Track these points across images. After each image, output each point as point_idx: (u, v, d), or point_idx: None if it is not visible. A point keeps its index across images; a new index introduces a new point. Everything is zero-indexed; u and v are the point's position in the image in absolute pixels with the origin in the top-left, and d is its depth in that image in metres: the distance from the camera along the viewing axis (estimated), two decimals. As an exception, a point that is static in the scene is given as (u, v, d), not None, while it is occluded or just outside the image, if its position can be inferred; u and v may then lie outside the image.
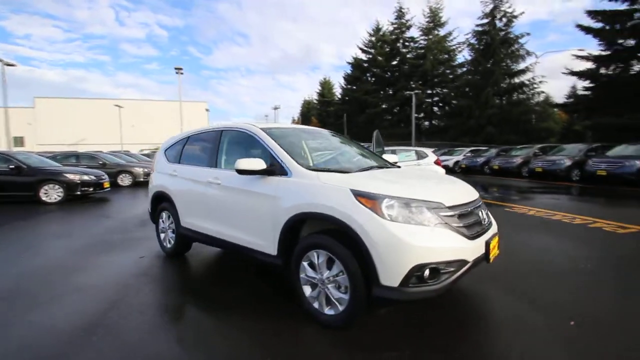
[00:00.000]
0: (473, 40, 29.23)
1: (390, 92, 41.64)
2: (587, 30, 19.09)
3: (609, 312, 2.72)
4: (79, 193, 9.21)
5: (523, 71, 26.49)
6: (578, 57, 20.14)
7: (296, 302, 2.79)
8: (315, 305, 2.61)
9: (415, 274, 2.16)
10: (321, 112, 60.97)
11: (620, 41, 17.89)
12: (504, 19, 27.23)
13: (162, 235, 4.48)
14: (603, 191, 10.30)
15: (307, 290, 2.67)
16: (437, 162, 10.16)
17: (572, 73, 20.57)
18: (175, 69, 22.63)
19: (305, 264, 2.65)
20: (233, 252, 3.90)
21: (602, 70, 19.21)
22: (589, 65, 20.02)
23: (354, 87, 47.16)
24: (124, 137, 37.22)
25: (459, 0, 78.68)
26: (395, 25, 40.76)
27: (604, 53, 18.80)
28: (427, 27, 37.44)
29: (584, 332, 2.40)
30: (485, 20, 28.27)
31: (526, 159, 15.98)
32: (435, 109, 36.80)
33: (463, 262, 2.30)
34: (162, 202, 4.42)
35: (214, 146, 3.73)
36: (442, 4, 36.99)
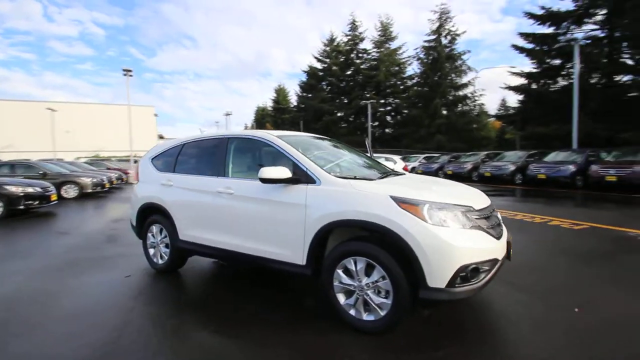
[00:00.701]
0: (422, 55, 31.40)
1: (346, 101, 42.90)
2: (520, 49, 21.54)
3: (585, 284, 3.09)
4: (22, 207, 8.10)
5: (466, 85, 29.10)
6: (513, 73, 22.62)
7: (311, 312, 2.76)
8: (352, 312, 2.60)
9: (461, 274, 2.28)
10: (276, 118, 60.68)
11: (548, 60, 20.44)
12: (449, 37, 29.73)
13: (152, 251, 4.13)
14: (545, 193, 11.61)
15: (342, 298, 2.65)
16: (404, 169, 10.69)
17: (509, 88, 23.00)
18: (124, 70, 21.01)
19: (339, 271, 2.64)
20: (248, 265, 3.75)
21: (534, 86, 21.75)
22: (522, 80, 22.58)
23: (310, 95, 47.78)
24: (58, 143, 33.40)
25: (403, 17, 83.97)
26: (349, 37, 42.29)
27: (534, 70, 21.32)
28: (379, 40, 39.40)
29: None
30: (432, 37, 30.61)
31: (475, 165, 17.46)
32: (388, 118, 38.62)
33: (495, 261, 2.47)
34: (151, 215, 4.09)
35: (220, 154, 3.56)
36: (392, 19, 39.22)
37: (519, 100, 22.78)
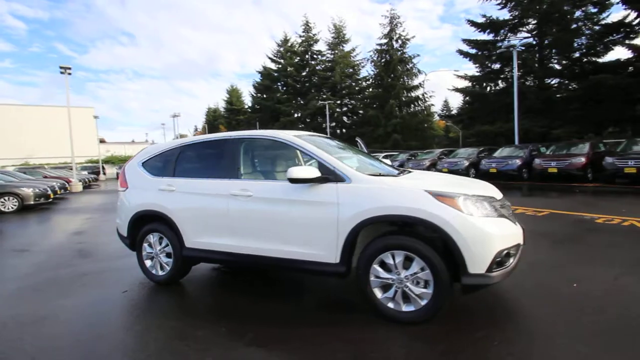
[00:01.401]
0: (375, 57, 32.62)
1: (302, 102, 43.05)
2: (465, 54, 23.35)
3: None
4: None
5: (417, 86, 30.84)
6: (458, 76, 24.45)
7: (340, 306, 2.80)
8: (391, 305, 2.67)
9: (497, 259, 2.46)
10: (230, 120, 59.03)
11: (490, 64, 22.42)
12: (400, 41, 31.28)
13: (149, 262, 3.83)
14: (498, 185, 12.68)
15: (379, 292, 2.71)
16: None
17: (456, 89, 24.85)
18: (61, 68, 18.87)
19: (376, 266, 2.69)
20: (270, 268, 3.67)
21: (478, 88, 23.70)
22: (467, 83, 24.50)
23: (265, 96, 47.21)
24: (-24, 150, 29.17)
25: (353, 21, 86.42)
26: (303, 38, 42.48)
27: (477, 74, 23.25)
28: (333, 42, 40.11)
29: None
30: (384, 40, 31.93)
31: (433, 162, 18.57)
32: (345, 118, 39.50)
33: (519, 245, 2.70)
34: (148, 224, 3.79)
35: (230, 156, 3.41)
36: (345, 22, 40.19)
37: (465, 101, 24.66)
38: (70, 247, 5.79)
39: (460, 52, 23.66)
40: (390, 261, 2.65)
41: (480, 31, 22.84)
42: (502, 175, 14.17)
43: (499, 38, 22.09)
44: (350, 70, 39.13)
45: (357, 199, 2.73)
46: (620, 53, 24.83)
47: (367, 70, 38.77)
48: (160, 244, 3.74)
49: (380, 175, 2.94)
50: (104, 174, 35.64)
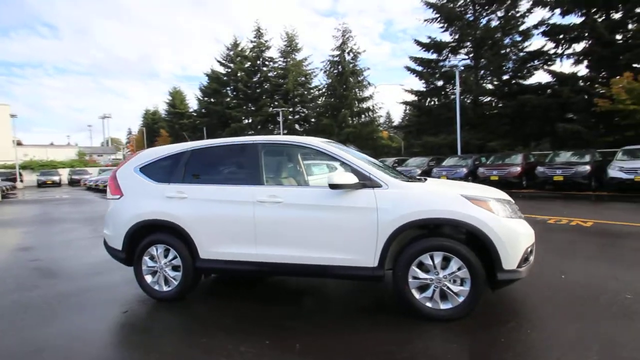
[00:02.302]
0: (328, 68, 33.52)
1: (253, 108, 42.30)
2: (412, 71, 25.13)
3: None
4: None
5: (367, 98, 32.34)
6: (405, 90, 26.19)
7: (369, 308, 2.89)
8: (429, 304, 2.80)
9: (524, 256, 2.75)
10: (172, 124, 55.60)
11: (434, 81, 24.43)
12: (351, 54, 32.60)
13: (150, 278, 3.50)
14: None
15: (416, 292, 2.83)
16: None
17: (405, 103, 26.63)
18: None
19: (414, 267, 2.81)
20: (300, 275, 3.62)
21: (423, 102, 25.61)
22: (413, 97, 26.31)
23: (213, 100, 45.49)
24: None
25: (305, 34, 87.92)
26: (254, 44, 41.94)
27: (423, 89, 25.15)
28: (285, 50, 40.24)
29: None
30: (337, 52, 32.98)
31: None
32: (297, 126, 39.66)
33: (534, 243, 3.03)
34: (151, 234, 3.48)
35: (252, 162, 3.30)
36: (297, 31, 40.69)
37: (413, 113, 26.47)
38: (23, 266, 5.01)
39: (408, 68, 25.39)
40: (429, 262, 2.80)
41: (425, 50, 24.83)
42: (452, 183, 15.45)
43: (441, 58, 24.22)
44: (303, 78, 39.56)
45: (396, 204, 2.84)
46: (542, 77, 28.55)
47: (319, 80, 39.49)
48: (166, 256, 3.45)
49: (410, 180, 3.10)
50: (21, 180, 30.99)
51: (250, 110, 42.58)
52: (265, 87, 41.79)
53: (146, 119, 69.44)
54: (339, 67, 32.79)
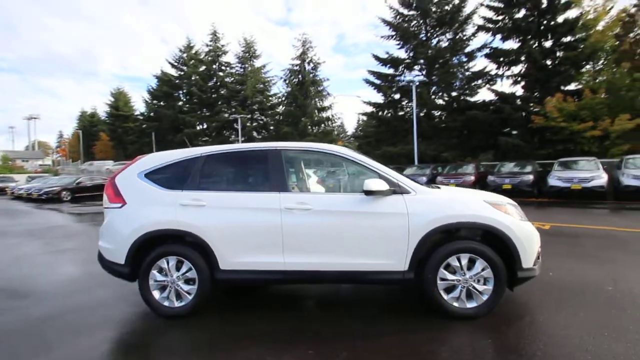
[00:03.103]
0: (288, 76, 33.65)
1: (208, 114, 40.81)
2: (371, 84, 26.23)
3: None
4: None
5: (327, 108, 33.02)
6: (364, 102, 27.24)
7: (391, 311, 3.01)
8: (456, 304, 2.96)
9: (537, 255, 3.04)
10: (115, 127, 51.37)
11: (391, 94, 25.74)
12: (312, 63, 33.14)
13: (158, 293, 3.21)
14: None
15: (444, 293, 2.97)
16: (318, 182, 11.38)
17: (364, 114, 27.64)
18: None
19: (442, 269, 2.95)
20: (328, 282, 3.59)
21: (381, 114, 26.80)
22: (371, 108, 27.44)
23: (164, 104, 43.09)
24: None
25: (259, 42, 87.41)
26: (210, 48, 40.72)
27: (381, 101, 26.35)
28: (243, 56, 39.61)
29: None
30: (297, 62, 33.28)
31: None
32: (255, 133, 39.02)
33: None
34: (161, 246, 3.22)
35: (276, 168, 3.22)
36: (255, 38, 40.36)
37: (371, 125, 27.55)
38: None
39: (367, 81, 26.45)
40: (456, 264, 2.96)
41: (382, 65, 26.12)
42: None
43: (397, 73, 25.66)
44: (261, 86, 39.18)
45: (426, 209, 2.97)
46: (486, 95, 31.25)
47: (278, 88, 39.44)
48: (179, 269, 3.20)
49: (430, 187, 3.26)
50: None
51: (205, 116, 41.03)
52: (222, 92, 40.66)
53: (82, 122, 63.28)
54: (300, 76, 33.11)
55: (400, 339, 2.69)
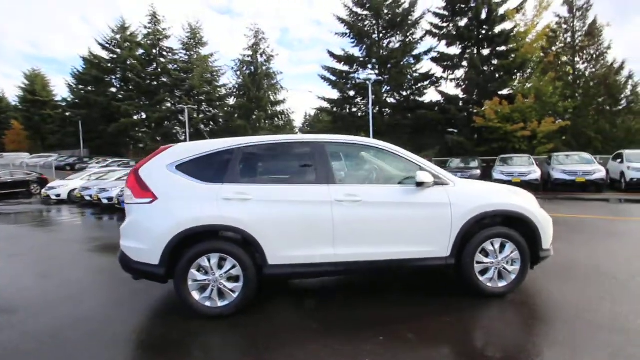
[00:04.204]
0: (240, 67, 32.43)
1: (147, 102, 37.51)
2: (327, 80, 26.56)
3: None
4: None
5: (281, 101, 32.60)
6: (319, 97, 27.54)
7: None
8: (490, 284, 3.26)
9: (551, 238, 3.46)
10: (31, 114, 44.57)
11: (346, 91, 26.38)
12: (265, 56, 32.35)
13: (198, 294, 2.99)
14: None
15: (480, 275, 3.25)
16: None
17: (319, 109, 27.90)
18: None
19: (479, 254, 3.23)
20: (375, 273, 3.73)
21: (336, 109, 27.35)
22: (326, 104, 27.86)
23: (92, 89, 38.61)
24: None
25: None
26: (149, 30, 37.39)
27: (337, 97, 26.86)
28: (188, 42, 37.11)
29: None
30: (249, 52, 32.21)
31: None
32: (202, 126, 36.91)
33: None
34: (201, 243, 2.99)
35: (320, 161, 3.19)
36: (202, 24, 38.06)
37: (327, 120, 27.95)
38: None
39: (323, 77, 26.75)
40: (490, 248, 3.25)
41: (337, 62, 26.61)
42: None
43: (352, 70, 26.35)
44: (209, 75, 37.12)
45: (466, 199, 3.21)
46: (435, 95, 33.20)
47: (227, 78, 37.77)
48: (221, 267, 3.02)
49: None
50: None
51: (144, 105, 37.67)
52: (164, 80, 37.67)
53: (-15, 106, 53.70)
54: (252, 67, 32.13)
55: (454, 318, 2.89)
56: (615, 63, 21.39)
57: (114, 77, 39.23)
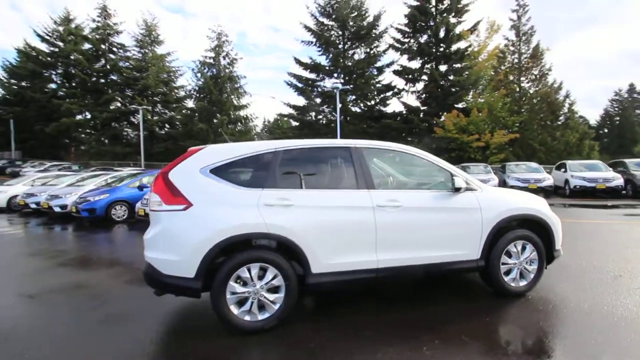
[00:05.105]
0: (201, 68, 31.15)
1: (93, 101, 34.41)
2: (293, 87, 26.58)
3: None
4: None
5: (245, 106, 31.83)
6: (284, 103, 27.48)
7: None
8: (512, 284, 3.43)
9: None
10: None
11: (313, 98, 26.60)
12: (228, 58, 31.46)
13: (236, 309, 2.76)
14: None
15: (504, 276, 3.41)
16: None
17: (283, 115, 27.77)
18: None
19: (504, 256, 3.40)
20: (414, 277, 3.64)
21: (301, 116, 27.43)
22: (291, 110, 27.86)
23: (28, 84, 34.69)
24: None
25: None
26: (98, 24, 34.57)
27: (303, 104, 26.98)
28: (143, 40, 34.88)
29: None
30: (211, 54, 31.10)
31: None
32: (157, 128, 34.65)
33: None
34: (241, 252, 2.79)
35: (360, 165, 3.15)
36: (158, 21, 36.04)
37: (292, 126, 27.91)
38: None
39: (289, 84, 26.75)
40: (514, 249, 3.44)
41: (304, 69, 26.80)
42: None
43: (318, 78, 26.70)
44: (165, 76, 35.10)
45: (493, 204, 3.37)
46: (399, 106, 34.45)
47: (186, 80, 36.02)
48: (262, 277, 2.83)
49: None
50: None
51: (89, 103, 34.48)
52: (114, 78, 34.95)
53: None
54: (213, 70, 31.05)
55: (489, 315, 3.01)
56: (555, 83, 24.35)
57: (54, 72, 35.62)
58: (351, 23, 26.32)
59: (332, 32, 26.92)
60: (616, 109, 49.29)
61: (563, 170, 14.60)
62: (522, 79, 24.59)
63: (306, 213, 2.89)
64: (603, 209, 10.53)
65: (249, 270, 2.77)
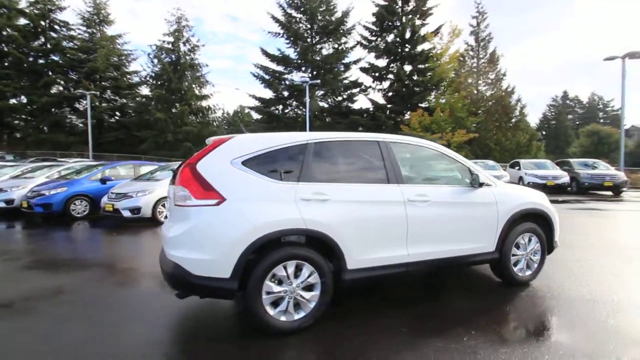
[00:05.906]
0: (157, 53, 29.09)
1: (30, 83, 30.71)
2: (261, 79, 25.87)
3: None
4: None
5: (207, 96, 30.33)
6: (250, 95, 26.73)
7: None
8: (520, 274, 3.64)
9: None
10: None
11: (281, 91, 26.13)
12: (189, 45, 29.68)
13: (272, 310, 2.59)
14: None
15: (514, 267, 3.61)
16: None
17: (250, 108, 27.01)
18: None
19: (514, 248, 3.60)
20: (437, 270, 3.67)
21: (268, 109, 26.84)
22: (257, 102, 27.16)
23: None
24: None
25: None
26: (36, -3, 30.76)
27: (271, 97, 26.40)
28: (90, 18, 31.70)
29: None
30: (170, 39, 29.14)
31: None
32: (106, 116, 31.83)
33: None
34: (277, 250, 2.64)
35: (390, 159, 3.12)
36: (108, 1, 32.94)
37: (261, 120, 27.26)
38: None
39: (256, 75, 26.00)
40: (522, 241, 3.65)
41: (271, 61, 26.19)
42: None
43: (286, 71, 26.26)
44: (116, 59, 32.27)
45: (507, 198, 3.53)
46: (366, 103, 34.87)
47: (140, 65, 33.49)
48: (297, 275, 2.71)
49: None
50: None
51: (25, 86, 30.71)
52: (55, 59, 31.44)
53: None
54: (173, 56, 29.15)
55: (508, 305, 3.15)
56: (509, 88, 26.39)
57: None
58: (320, 17, 26.18)
59: (301, 25, 26.59)
60: (552, 113, 54.94)
61: (517, 168, 15.86)
62: (480, 82, 26.35)
63: (342, 208, 2.80)
64: (557, 204, 11.64)
65: (285, 268, 2.62)
